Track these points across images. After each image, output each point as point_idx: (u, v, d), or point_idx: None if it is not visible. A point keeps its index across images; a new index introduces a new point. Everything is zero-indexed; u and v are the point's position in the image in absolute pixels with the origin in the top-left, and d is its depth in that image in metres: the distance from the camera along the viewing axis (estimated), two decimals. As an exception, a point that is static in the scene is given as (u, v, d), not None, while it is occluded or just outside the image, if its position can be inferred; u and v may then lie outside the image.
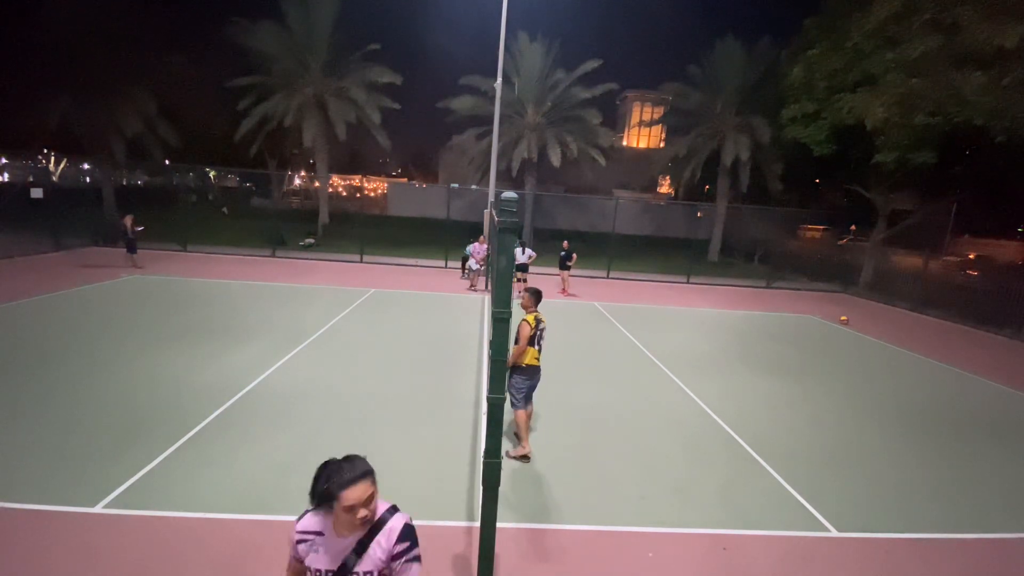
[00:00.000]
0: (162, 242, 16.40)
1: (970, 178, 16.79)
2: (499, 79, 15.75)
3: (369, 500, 1.72)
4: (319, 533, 1.76)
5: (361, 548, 1.76)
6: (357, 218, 19.99)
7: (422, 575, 1.80)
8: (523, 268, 13.43)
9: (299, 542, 1.79)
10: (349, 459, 1.75)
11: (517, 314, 4.24)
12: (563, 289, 14.02)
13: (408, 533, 1.80)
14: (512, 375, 4.88)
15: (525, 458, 4.94)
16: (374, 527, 1.78)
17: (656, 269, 19.20)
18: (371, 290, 12.48)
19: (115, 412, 5.26)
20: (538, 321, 4.81)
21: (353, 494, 1.67)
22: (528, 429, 5.02)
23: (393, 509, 1.85)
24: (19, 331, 7.54)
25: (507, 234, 2.55)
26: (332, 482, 1.68)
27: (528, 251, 13.66)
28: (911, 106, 13.05)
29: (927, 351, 10.62)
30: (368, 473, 1.72)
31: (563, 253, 13.88)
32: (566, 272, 13.97)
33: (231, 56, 22.00)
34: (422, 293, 12.77)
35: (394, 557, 1.76)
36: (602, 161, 23.41)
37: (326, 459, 1.75)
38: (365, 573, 1.76)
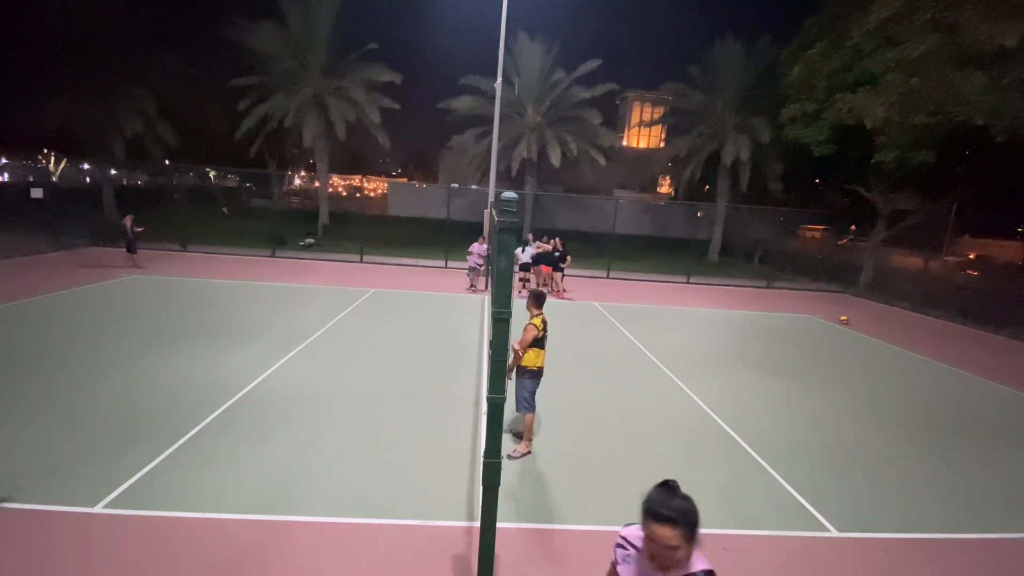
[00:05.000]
0: (162, 242, 16.41)
1: (970, 178, 16.77)
2: (499, 79, 15.74)
3: (669, 548, 1.54)
4: (636, 547, 1.69)
5: None
6: (357, 218, 20.01)
7: None
8: (527, 268, 13.34)
9: (617, 546, 1.75)
10: (675, 492, 1.60)
11: (521, 314, 4.23)
12: (555, 291, 13.51)
13: None
14: (523, 379, 4.90)
15: (527, 454, 5.00)
16: None
17: (656, 269, 19.20)
18: (371, 290, 12.48)
19: (115, 412, 5.26)
20: (544, 323, 4.85)
21: (654, 530, 1.54)
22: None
23: (708, 574, 1.62)
24: (19, 331, 7.54)
25: (507, 234, 2.54)
26: (647, 504, 1.57)
27: (529, 249, 13.55)
28: (911, 106, 13.03)
29: (927, 351, 10.62)
30: (676, 523, 1.53)
31: (557, 254, 13.31)
32: (559, 274, 13.45)
33: (231, 56, 22.00)
34: (422, 293, 12.77)
35: None
36: (602, 161, 23.41)
37: (665, 478, 1.65)
38: None
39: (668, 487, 1.62)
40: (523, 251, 13.36)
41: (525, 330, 4.74)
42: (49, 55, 16.99)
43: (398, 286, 13.33)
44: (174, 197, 19.28)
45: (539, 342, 4.80)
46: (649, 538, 1.56)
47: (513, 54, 22.80)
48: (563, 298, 13.41)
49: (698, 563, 1.61)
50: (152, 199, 24.11)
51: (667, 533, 1.51)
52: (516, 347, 4.71)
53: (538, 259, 13.46)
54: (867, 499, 4.74)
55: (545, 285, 13.41)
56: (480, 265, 13.60)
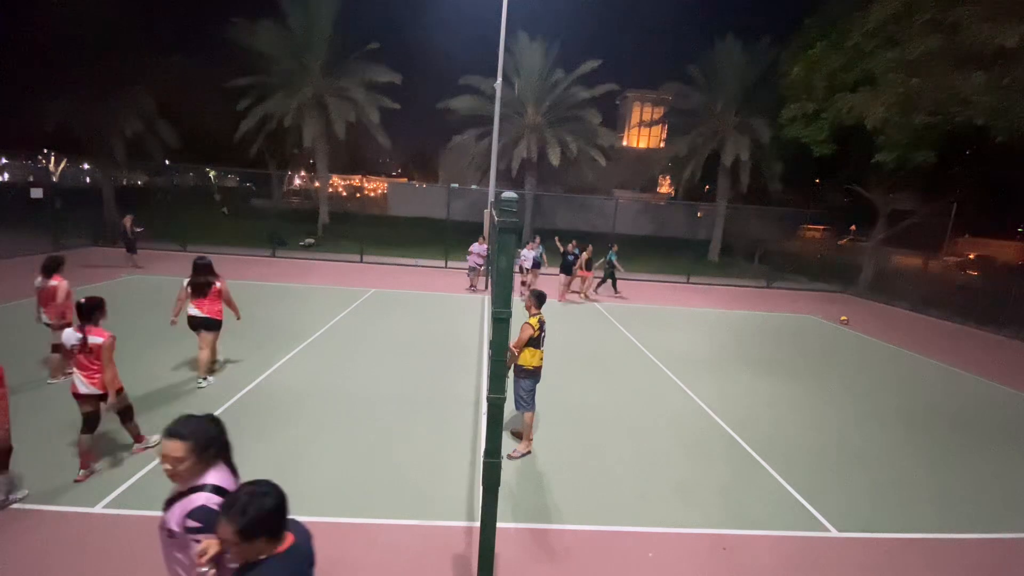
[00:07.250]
0: (162, 242, 16.40)
1: (970, 178, 16.77)
2: (499, 79, 15.74)
3: (171, 460, 1.75)
4: None
5: (171, 502, 1.81)
6: (357, 218, 19.98)
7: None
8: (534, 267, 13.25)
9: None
10: (197, 417, 1.85)
11: (521, 314, 4.23)
12: (563, 295, 13.17)
13: (200, 515, 1.72)
14: (520, 378, 4.91)
15: (527, 454, 5.01)
16: (188, 490, 1.79)
17: (656, 269, 19.19)
18: (371, 290, 12.48)
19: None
20: (541, 323, 4.85)
21: (163, 445, 1.75)
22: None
23: (216, 489, 1.79)
24: (19, 331, 7.54)
25: (507, 234, 2.54)
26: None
27: (531, 253, 13.46)
28: (911, 106, 13.03)
29: (927, 351, 10.62)
30: (182, 436, 1.75)
31: (570, 257, 12.90)
32: (568, 277, 13.11)
33: (231, 56, 21.96)
34: (422, 293, 12.76)
35: (187, 530, 1.74)
36: (602, 161, 23.40)
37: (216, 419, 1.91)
38: (167, 526, 1.78)
39: (195, 415, 1.86)
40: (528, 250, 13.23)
41: (521, 329, 4.74)
42: (49, 55, 16.97)
43: (398, 286, 13.33)
44: (159, 198, 19.24)
45: (535, 342, 4.79)
46: (162, 456, 1.76)
47: (513, 54, 22.79)
48: (562, 299, 13.40)
49: (210, 477, 1.80)
50: (152, 199, 24.09)
51: (172, 445, 1.74)
52: (512, 346, 4.72)
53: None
54: (867, 499, 4.74)
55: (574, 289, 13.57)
56: (480, 265, 13.59)
